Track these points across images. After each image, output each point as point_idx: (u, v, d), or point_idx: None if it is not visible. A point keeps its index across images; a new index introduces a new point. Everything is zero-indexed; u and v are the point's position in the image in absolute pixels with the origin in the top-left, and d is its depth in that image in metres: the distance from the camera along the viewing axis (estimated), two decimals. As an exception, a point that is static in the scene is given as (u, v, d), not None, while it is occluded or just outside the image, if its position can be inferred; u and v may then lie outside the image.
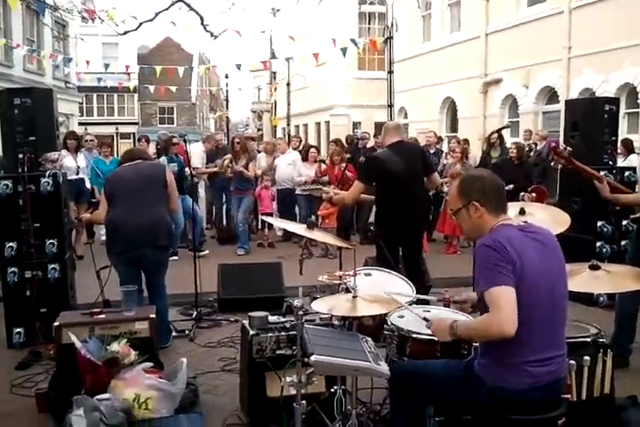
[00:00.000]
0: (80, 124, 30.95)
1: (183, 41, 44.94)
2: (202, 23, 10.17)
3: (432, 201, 9.55)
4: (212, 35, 10.32)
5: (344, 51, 15.64)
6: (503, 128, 8.55)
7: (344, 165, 10.17)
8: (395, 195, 5.05)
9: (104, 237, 9.86)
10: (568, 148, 4.97)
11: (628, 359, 4.75)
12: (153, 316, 4.10)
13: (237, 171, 9.53)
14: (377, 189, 5.19)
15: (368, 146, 11.53)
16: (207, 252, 9.33)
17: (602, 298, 6.35)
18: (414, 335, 3.17)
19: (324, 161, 10.84)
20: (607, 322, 4.83)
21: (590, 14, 12.69)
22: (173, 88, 21.74)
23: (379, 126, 18.84)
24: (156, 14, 10.28)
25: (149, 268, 5.16)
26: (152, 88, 22.27)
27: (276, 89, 30.84)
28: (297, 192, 10.49)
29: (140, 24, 10.93)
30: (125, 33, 11.48)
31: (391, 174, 5.00)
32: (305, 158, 10.55)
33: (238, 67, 17.16)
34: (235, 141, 10.15)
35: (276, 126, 31.88)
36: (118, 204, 5.04)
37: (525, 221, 2.91)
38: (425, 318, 3.07)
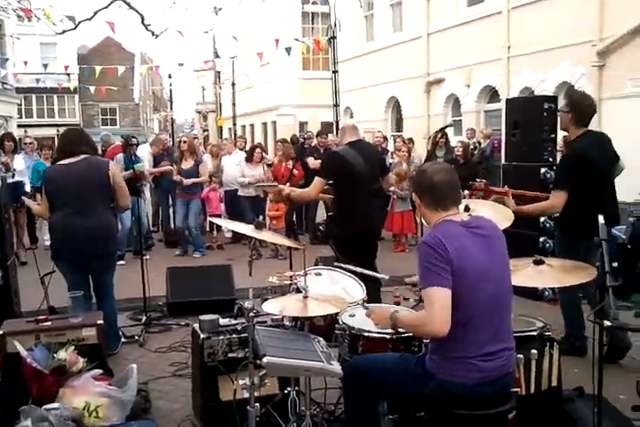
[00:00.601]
0: (19, 126, 30.20)
1: (124, 40, 44.21)
2: (142, 22, 9.99)
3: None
4: (153, 34, 10.15)
5: (288, 50, 15.65)
6: (446, 127, 8.68)
7: (290, 163, 10.21)
8: (355, 191, 5.03)
9: (47, 242, 9.70)
10: (483, 180, 5.17)
11: (585, 348, 4.84)
12: (100, 322, 4.02)
13: (188, 183, 9.34)
14: (336, 185, 5.15)
15: (312, 144, 11.63)
16: (148, 257, 9.16)
17: (547, 292, 6.52)
18: (366, 333, 3.20)
19: (270, 164, 10.80)
20: (553, 315, 4.97)
21: (529, 14, 12.97)
22: (115, 88, 21.42)
23: (325, 126, 18.98)
24: (95, 13, 10.05)
25: (96, 272, 5.06)
26: (93, 89, 21.87)
27: (220, 89, 30.61)
28: (239, 193, 10.36)
29: (79, 23, 10.66)
30: (63, 32, 11.20)
31: (352, 170, 4.98)
32: (250, 159, 10.41)
33: (180, 65, 16.98)
34: (181, 141, 10.03)
35: (221, 127, 31.68)
36: (60, 206, 4.90)
37: (470, 215, 2.95)
38: (364, 306, 3.13)
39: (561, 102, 11.89)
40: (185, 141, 9.85)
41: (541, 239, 6.67)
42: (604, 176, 4.80)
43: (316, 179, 5.14)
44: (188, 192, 9.52)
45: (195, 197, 9.62)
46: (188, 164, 9.51)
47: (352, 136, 5.28)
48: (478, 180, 5.37)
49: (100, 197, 4.97)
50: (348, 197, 5.07)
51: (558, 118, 4.99)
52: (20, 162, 9.26)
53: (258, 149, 10.63)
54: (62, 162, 4.99)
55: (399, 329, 2.97)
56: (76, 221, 4.82)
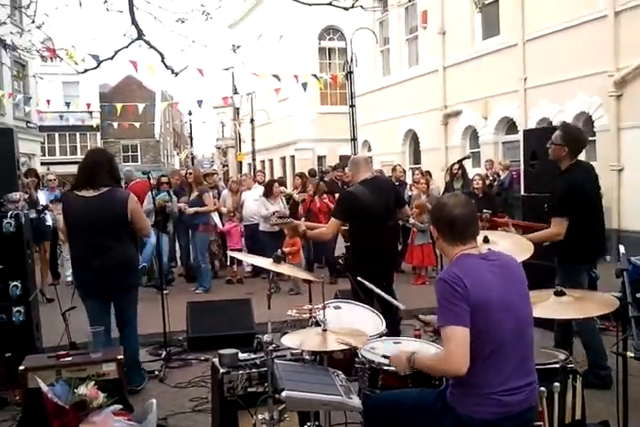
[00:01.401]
0: (42, 163, 30.70)
1: (145, 79, 45.06)
2: (162, 60, 10.18)
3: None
4: (172, 71, 10.31)
5: (304, 86, 15.84)
6: (464, 159, 8.69)
7: (326, 197, 10.19)
8: (370, 230, 5.06)
9: (69, 278, 9.79)
10: (487, 211, 5.39)
11: (611, 378, 4.72)
12: (121, 357, 4.03)
13: (191, 212, 9.39)
14: (351, 224, 5.23)
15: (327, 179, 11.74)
16: (167, 291, 9.17)
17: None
18: (385, 367, 3.17)
19: (290, 196, 10.82)
20: (575, 348, 4.90)
21: (544, 46, 13.05)
22: (137, 124, 21.84)
23: (343, 159, 19.08)
24: (116, 52, 10.25)
25: (118, 305, 5.06)
26: (115, 124, 22.28)
27: (240, 125, 30.98)
28: (261, 228, 10.22)
29: (100, 62, 10.89)
30: (85, 71, 11.41)
31: (366, 210, 5.03)
32: (269, 193, 10.41)
33: (199, 103, 17.23)
34: (187, 173, 10.14)
35: (241, 162, 31.98)
36: (77, 239, 4.92)
37: (489, 249, 2.95)
38: (384, 356, 3.10)
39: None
40: (191, 173, 9.96)
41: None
42: (597, 203, 5.11)
43: (332, 219, 5.21)
44: (192, 224, 9.54)
45: (197, 228, 9.57)
46: (193, 194, 9.59)
47: (365, 172, 5.31)
48: (499, 212, 5.45)
49: (119, 232, 4.92)
50: (362, 234, 5.12)
51: (550, 149, 5.11)
52: (42, 198, 9.40)
53: (276, 184, 10.66)
54: (82, 193, 4.86)
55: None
56: (92, 259, 4.81)
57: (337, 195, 10.28)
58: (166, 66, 10.49)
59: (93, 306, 4.94)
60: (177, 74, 10.74)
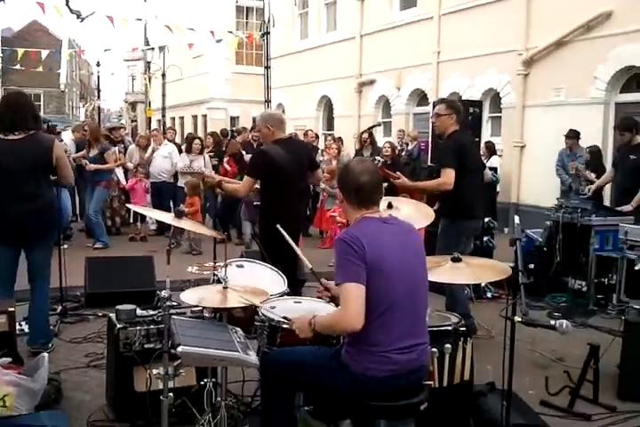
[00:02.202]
0: None
1: (51, 25, 42.88)
2: (67, 4, 9.65)
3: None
4: (78, 16, 9.79)
5: (219, 41, 15.49)
6: (373, 127, 8.79)
7: (227, 159, 10.10)
8: (281, 191, 4.99)
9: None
10: (379, 159, 5.56)
11: (475, 328, 5.27)
12: (12, 309, 3.90)
13: (91, 169, 9.08)
14: (264, 184, 5.09)
15: (240, 140, 11.62)
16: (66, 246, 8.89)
17: (489, 292, 6.89)
18: (285, 326, 3.20)
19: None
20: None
21: (459, 21, 13.25)
22: (41, 69, 20.86)
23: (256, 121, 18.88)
24: (19, -9, 9.69)
25: (32, 255, 4.84)
26: (17, 67, 21.22)
27: (150, 79, 30.04)
28: (179, 184, 10.22)
29: (1, 0, 10.19)
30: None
31: (280, 169, 4.92)
32: (189, 149, 10.28)
33: (107, 50, 16.60)
34: (83, 128, 9.77)
35: (150, 118, 31.11)
36: None
37: (390, 215, 3.01)
38: (285, 317, 3.13)
39: (487, 109, 12.23)
40: (86, 129, 9.60)
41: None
42: (478, 165, 5.61)
43: (245, 178, 5.11)
44: (92, 180, 9.27)
45: (99, 184, 9.31)
46: (93, 151, 9.24)
47: (280, 133, 5.18)
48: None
49: (42, 177, 4.69)
50: (276, 195, 5.02)
51: (434, 123, 5.55)
52: None
53: (197, 140, 10.49)
54: (5, 137, 4.59)
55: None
56: (11, 203, 4.57)
57: (249, 156, 10.24)
58: (71, 10, 9.98)
59: (2, 252, 4.69)
60: (83, 19, 10.24)
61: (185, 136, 11.41)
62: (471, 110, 7.05)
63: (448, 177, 5.07)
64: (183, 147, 10.97)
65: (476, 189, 5.35)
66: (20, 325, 5.08)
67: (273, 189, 5.02)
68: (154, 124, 30.34)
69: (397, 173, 5.34)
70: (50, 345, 4.96)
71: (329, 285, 3.27)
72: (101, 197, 9.41)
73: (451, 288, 5.17)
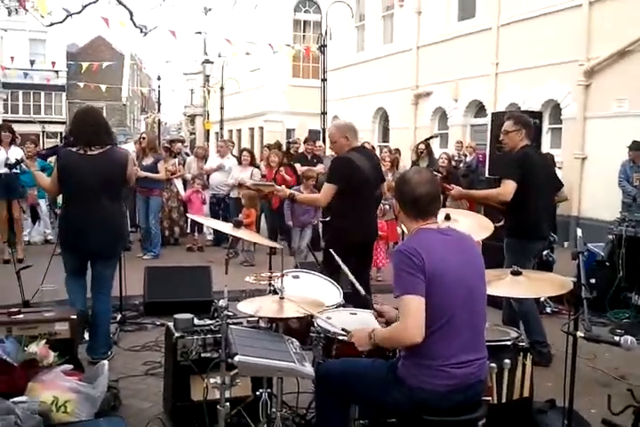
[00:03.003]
0: (4, 121, 29.92)
1: (114, 40, 44.10)
2: (131, 18, 9.95)
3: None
4: (141, 31, 10.10)
5: (276, 53, 15.65)
6: (431, 138, 8.71)
7: (283, 169, 10.16)
8: (361, 198, 4.91)
9: (26, 238, 9.67)
10: (436, 173, 5.48)
11: (551, 356, 4.98)
12: (74, 317, 3.98)
13: (142, 176, 9.18)
14: (343, 191, 4.89)
15: (299, 151, 11.66)
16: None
17: (548, 307, 6.70)
18: (340, 337, 3.18)
19: (258, 166, 10.78)
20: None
21: (518, 32, 13.08)
22: (103, 87, 21.43)
23: (312, 133, 18.99)
24: (84, 7, 9.99)
25: (98, 268, 4.93)
26: (81, 85, 21.84)
27: (209, 92, 30.54)
28: (231, 196, 10.38)
29: (67, 16, 10.54)
30: (51, 24, 11.06)
31: (362, 176, 4.87)
32: (239, 161, 10.44)
33: (167, 62, 17.00)
34: (141, 137, 9.95)
35: (208, 131, 31.58)
36: (72, 197, 4.76)
37: (448, 226, 2.98)
38: (344, 329, 3.11)
39: (546, 120, 11.99)
40: (144, 138, 9.79)
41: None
42: (546, 186, 5.30)
43: (326, 185, 4.96)
44: (143, 188, 9.36)
45: (154, 194, 9.48)
46: (147, 160, 9.41)
47: (355, 142, 5.14)
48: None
49: (114, 191, 4.82)
50: (353, 203, 4.88)
51: (502, 140, 5.32)
52: (16, 154, 9.00)
53: (245, 153, 10.60)
54: (81, 151, 4.69)
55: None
56: (83, 217, 4.67)
57: (301, 167, 10.28)
58: (135, 24, 10.27)
59: (74, 264, 4.83)
60: (146, 33, 10.53)
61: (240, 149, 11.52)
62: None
63: (507, 188, 4.92)
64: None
65: (543, 208, 5.15)
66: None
67: (351, 196, 4.86)
68: (212, 137, 30.81)
69: (452, 185, 5.25)
70: (109, 353, 5.04)
71: (383, 310, 3.23)
72: (157, 207, 9.56)
73: (528, 314, 5.04)
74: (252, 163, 10.46)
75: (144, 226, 9.56)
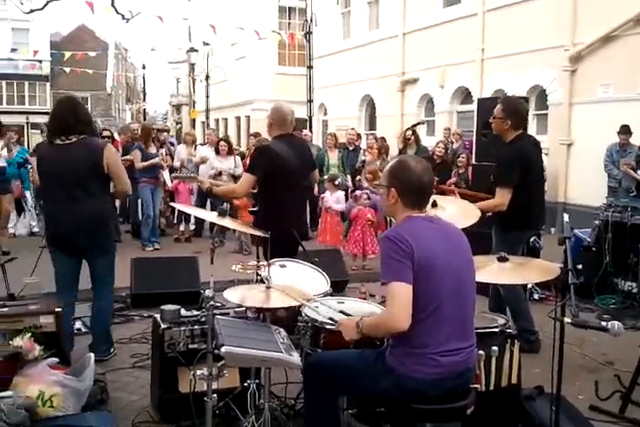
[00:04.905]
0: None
1: (98, 29, 43.60)
2: (112, 4, 9.80)
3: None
4: (123, 17, 9.97)
5: (263, 39, 15.55)
6: (417, 124, 8.63)
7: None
8: (283, 187, 4.69)
9: (11, 231, 9.61)
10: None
11: (540, 343, 4.99)
12: (59, 309, 3.93)
13: (139, 167, 9.19)
14: (265, 182, 4.70)
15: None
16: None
17: (535, 294, 6.69)
18: (328, 326, 3.17)
19: (244, 155, 10.70)
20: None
21: (503, 17, 13.05)
22: (90, 71, 21.29)
23: (298, 122, 18.94)
24: (63, -8, 9.87)
25: (91, 262, 4.81)
26: (67, 70, 21.71)
27: (194, 81, 30.34)
28: None
29: (47, 2, 10.35)
30: (31, 11, 10.84)
31: (283, 165, 4.66)
32: (217, 151, 10.27)
33: (153, 50, 16.89)
34: (129, 128, 9.95)
35: (194, 120, 31.41)
36: (49, 191, 4.64)
37: (435, 215, 2.96)
38: (331, 319, 3.09)
39: (532, 106, 11.98)
40: (143, 128, 9.79)
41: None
42: (540, 175, 5.25)
43: (245, 175, 4.79)
44: (152, 177, 9.40)
45: (158, 184, 9.54)
46: (151, 149, 9.45)
47: (281, 129, 4.92)
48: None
49: (93, 184, 4.56)
50: (277, 194, 4.69)
51: (493, 123, 5.14)
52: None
53: (222, 142, 10.47)
54: (57, 142, 4.53)
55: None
56: (61, 212, 4.54)
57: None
58: (116, 10, 10.14)
59: (62, 261, 4.67)
60: (128, 20, 10.40)
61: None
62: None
63: (503, 199, 4.80)
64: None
65: (535, 199, 5.07)
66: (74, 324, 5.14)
67: (275, 186, 4.68)
68: (198, 126, 30.63)
69: (453, 186, 5.17)
70: (111, 350, 4.92)
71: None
72: (147, 196, 9.47)
73: (516, 301, 5.03)
74: (230, 152, 10.34)
75: (150, 216, 9.45)
